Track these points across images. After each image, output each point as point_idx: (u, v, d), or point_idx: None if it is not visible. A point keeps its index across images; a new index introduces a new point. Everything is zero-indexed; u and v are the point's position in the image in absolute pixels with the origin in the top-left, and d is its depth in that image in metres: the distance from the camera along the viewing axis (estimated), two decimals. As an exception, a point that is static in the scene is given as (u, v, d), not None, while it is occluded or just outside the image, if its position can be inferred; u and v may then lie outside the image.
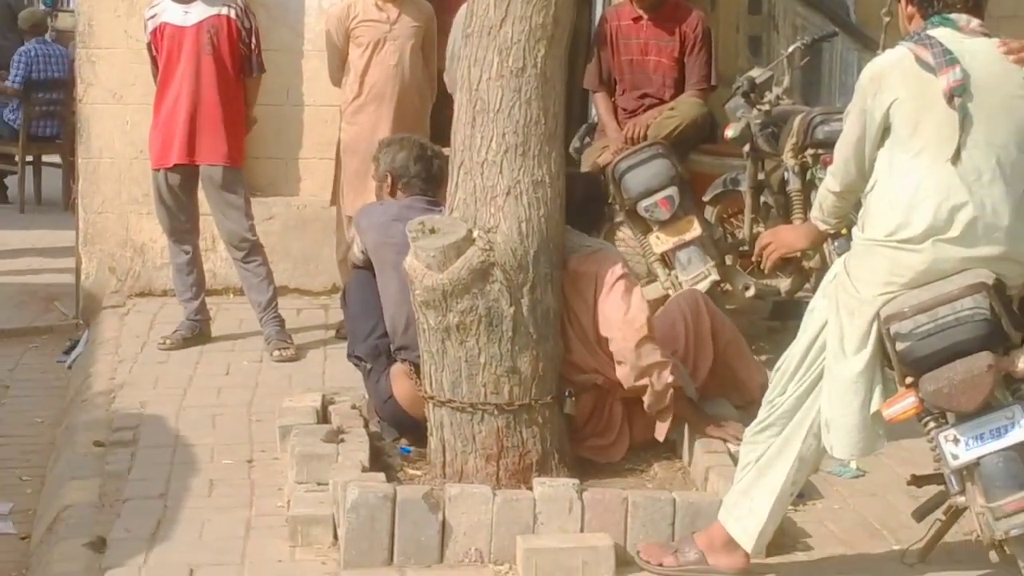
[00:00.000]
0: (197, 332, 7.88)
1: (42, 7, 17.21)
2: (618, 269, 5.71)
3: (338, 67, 8.05)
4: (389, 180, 6.37)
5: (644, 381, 5.58)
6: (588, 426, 5.77)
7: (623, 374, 5.59)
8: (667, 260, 7.12)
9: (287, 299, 8.17)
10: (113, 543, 5.27)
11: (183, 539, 5.33)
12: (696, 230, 7.13)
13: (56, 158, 13.36)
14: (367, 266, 6.18)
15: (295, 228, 8.74)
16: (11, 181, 13.45)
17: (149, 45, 7.76)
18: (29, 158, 13.29)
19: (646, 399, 5.60)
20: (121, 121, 8.65)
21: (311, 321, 8.21)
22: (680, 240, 7.11)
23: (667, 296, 6.88)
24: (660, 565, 5.04)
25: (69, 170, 11.84)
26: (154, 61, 7.76)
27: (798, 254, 6.33)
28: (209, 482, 5.90)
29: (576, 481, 5.30)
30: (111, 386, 7.19)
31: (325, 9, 8.55)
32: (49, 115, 13.19)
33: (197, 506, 5.65)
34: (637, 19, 7.87)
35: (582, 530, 5.14)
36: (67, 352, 8.48)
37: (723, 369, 6.12)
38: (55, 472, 6.32)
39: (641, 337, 5.54)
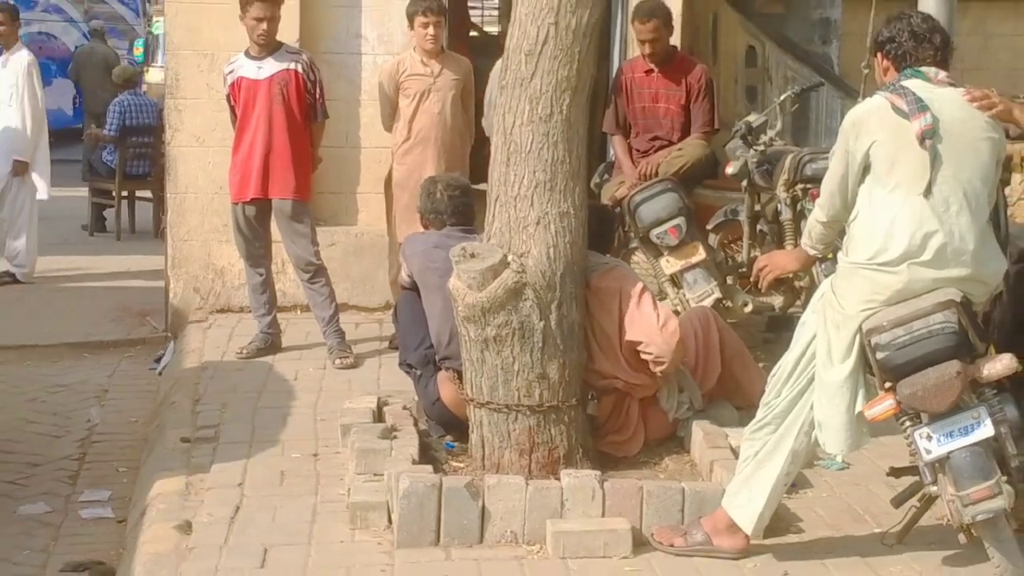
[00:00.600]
0: (269, 343, 7.89)
1: (134, 64, 17.30)
2: (638, 284, 5.82)
3: (389, 115, 8.06)
4: (420, 218, 6.48)
5: (679, 365, 5.78)
6: (608, 424, 5.78)
7: (665, 368, 5.67)
8: (676, 280, 7.12)
9: (347, 315, 8.17)
10: (198, 526, 5.29)
11: (258, 523, 5.34)
12: (701, 254, 7.12)
13: (147, 193, 13.40)
14: (414, 287, 6.20)
15: (354, 253, 8.75)
16: (109, 213, 13.50)
17: (228, 96, 7.80)
18: (124, 193, 13.34)
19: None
20: (204, 161, 8.68)
21: (368, 334, 8.21)
22: (687, 263, 7.10)
23: (676, 312, 6.87)
24: (671, 545, 5.04)
25: (159, 204, 11.88)
26: (232, 110, 7.79)
27: (790, 275, 6.30)
28: (280, 473, 5.91)
29: (598, 472, 5.31)
30: (195, 390, 7.20)
31: (379, 65, 8.56)
32: (141, 156, 13.25)
33: (270, 494, 5.66)
34: (649, 72, 7.88)
35: (603, 515, 5.15)
36: (157, 361, 8.51)
37: (728, 377, 6.14)
38: (147, 464, 6.34)
39: (678, 340, 5.65)
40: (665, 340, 5.63)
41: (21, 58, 10.93)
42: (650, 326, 5.65)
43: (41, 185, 11.07)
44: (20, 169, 10.80)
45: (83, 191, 13.71)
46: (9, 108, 10.79)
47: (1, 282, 10.72)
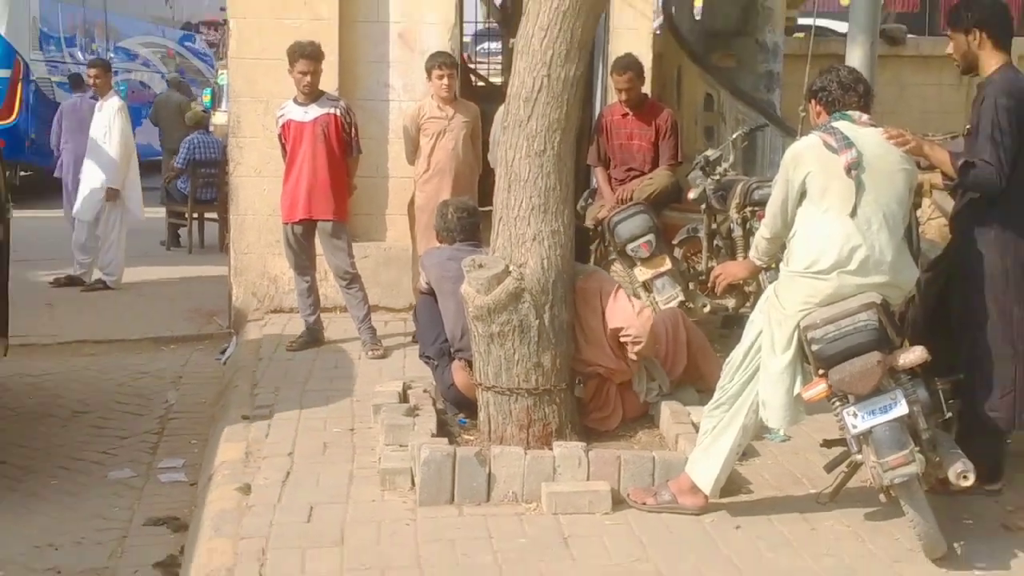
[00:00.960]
0: (314, 338, 7.89)
1: (203, 109, 17.26)
2: (613, 283, 5.86)
3: (412, 151, 8.06)
4: (436, 235, 6.48)
5: (653, 347, 5.79)
6: (592, 404, 5.76)
7: (642, 348, 5.66)
8: (647, 286, 7.11)
9: (377, 314, 8.15)
10: (256, 488, 5.29)
11: (305, 485, 5.35)
12: (667, 264, 7.13)
13: (214, 215, 13.41)
14: (431, 293, 6.19)
15: (383, 264, 8.74)
16: (182, 231, 13.51)
17: (279, 135, 7.79)
18: (195, 215, 13.36)
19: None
20: (260, 189, 8.67)
21: (395, 330, 8.20)
22: (656, 272, 7.10)
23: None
24: (644, 504, 5.04)
25: (223, 223, 11.87)
26: (283, 147, 7.78)
27: (741, 282, 6.29)
28: (323, 444, 5.92)
29: (584, 444, 5.31)
30: (253, 376, 7.21)
31: (403, 109, 8.55)
32: (208, 185, 13.24)
33: (315, 461, 5.67)
34: (625, 115, 7.89)
35: (588, 478, 5.14)
36: (222, 352, 8.51)
37: (692, 366, 6.15)
38: (214, 437, 6.34)
39: (651, 324, 5.70)
40: (641, 324, 5.65)
41: (113, 103, 10.95)
42: (628, 314, 5.66)
43: (135, 207, 11.11)
44: (111, 195, 10.80)
45: (161, 213, 13.73)
46: (104, 145, 10.81)
47: (94, 288, 10.73)
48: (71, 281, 10.85)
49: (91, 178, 10.85)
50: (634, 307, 5.71)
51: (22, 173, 15.94)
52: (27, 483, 6.08)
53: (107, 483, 6.16)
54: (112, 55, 18.25)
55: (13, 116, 15.11)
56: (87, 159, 10.90)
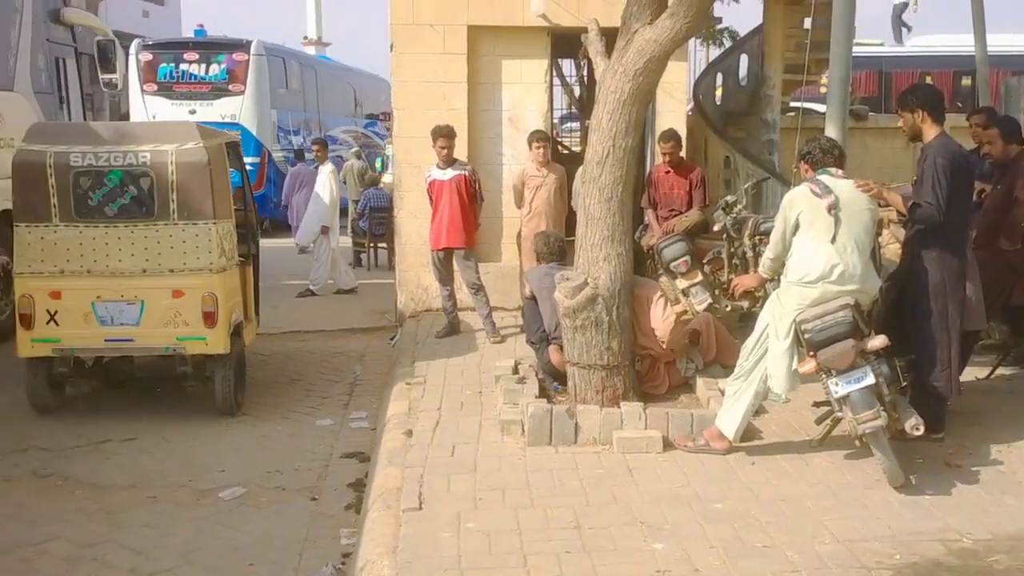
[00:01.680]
0: (453, 329, 7.90)
1: (378, 172, 17.49)
2: (658, 291, 5.79)
3: (519, 199, 8.06)
4: (536, 257, 6.42)
5: (673, 342, 5.72)
6: (646, 376, 5.72)
7: (665, 343, 5.63)
8: (685, 292, 6.99)
9: (496, 313, 8.14)
10: (416, 433, 5.34)
11: (448, 430, 5.38)
12: (700, 277, 6.92)
13: (384, 244, 13.56)
14: (533, 298, 6.19)
15: (500, 278, 8.73)
16: (363, 256, 13.69)
17: (427, 190, 7.86)
18: (372, 245, 13.51)
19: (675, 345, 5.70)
20: (416, 227, 8.72)
21: (508, 323, 8.18)
22: (692, 282, 6.90)
23: (685, 312, 6.77)
24: (685, 446, 4.98)
25: (391, 250, 12.01)
26: (430, 197, 7.83)
27: (753, 290, 6.18)
28: (460, 403, 5.94)
29: (642, 404, 5.27)
30: (412, 355, 7.27)
31: (512, 171, 8.56)
32: (380, 223, 13.34)
33: (455, 414, 5.70)
34: (668, 172, 7.81)
35: (646, 428, 5.10)
36: (391, 338, 8.60)
37: (720, 351, 6.04)
38: (385, 397, 6.42)
39: (672, 327, 5.65)
40: (664, 327, 5.62)
41: (327, 168, 11.18)
42: (657, 319, 5.63)
43: (334, 239, 11.30)
44: (324, 230, 11.01)
45: (348, 243, 13.93)
46: (321, 196, 11.04)
47: (304, 295, 10.91)
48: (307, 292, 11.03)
49: (311, 217, 11.06)
50: (663, 314, 5.61)
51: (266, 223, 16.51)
52: (261, 428, 6.21)
53: (315, 428, 6.26)
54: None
55: (262, 187, 15.91)
56: (310, 205, 11.12)
